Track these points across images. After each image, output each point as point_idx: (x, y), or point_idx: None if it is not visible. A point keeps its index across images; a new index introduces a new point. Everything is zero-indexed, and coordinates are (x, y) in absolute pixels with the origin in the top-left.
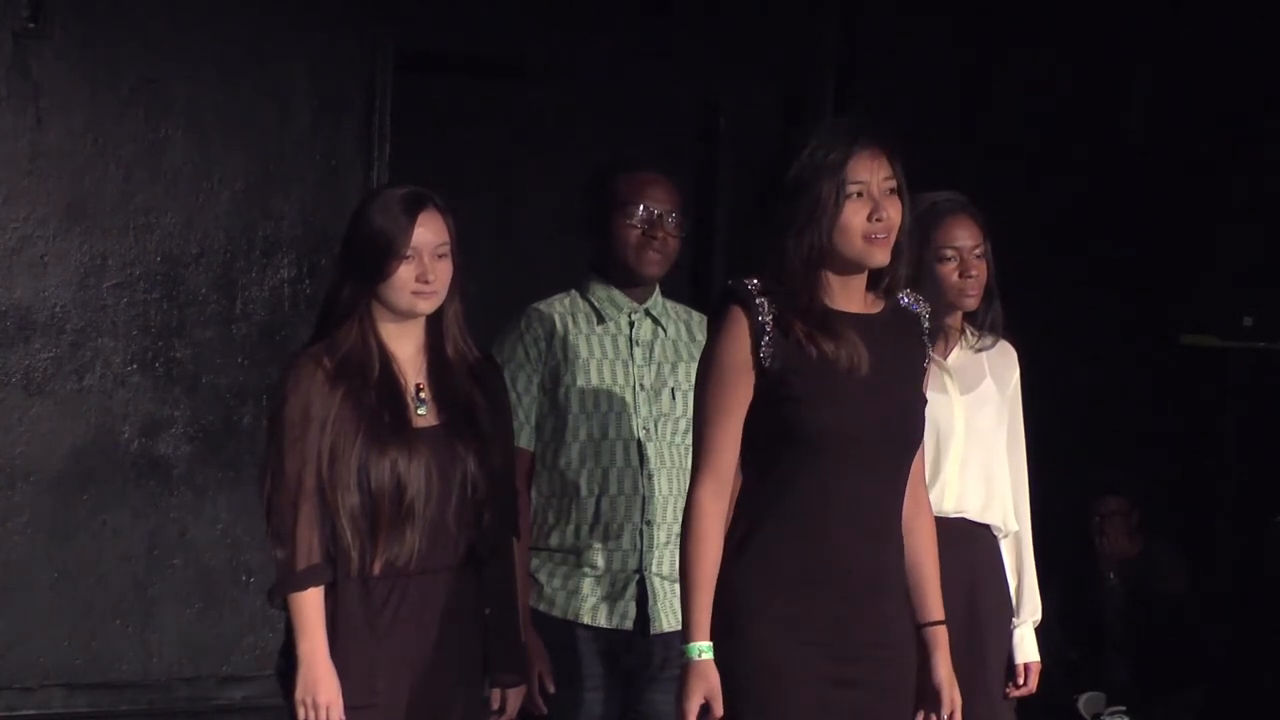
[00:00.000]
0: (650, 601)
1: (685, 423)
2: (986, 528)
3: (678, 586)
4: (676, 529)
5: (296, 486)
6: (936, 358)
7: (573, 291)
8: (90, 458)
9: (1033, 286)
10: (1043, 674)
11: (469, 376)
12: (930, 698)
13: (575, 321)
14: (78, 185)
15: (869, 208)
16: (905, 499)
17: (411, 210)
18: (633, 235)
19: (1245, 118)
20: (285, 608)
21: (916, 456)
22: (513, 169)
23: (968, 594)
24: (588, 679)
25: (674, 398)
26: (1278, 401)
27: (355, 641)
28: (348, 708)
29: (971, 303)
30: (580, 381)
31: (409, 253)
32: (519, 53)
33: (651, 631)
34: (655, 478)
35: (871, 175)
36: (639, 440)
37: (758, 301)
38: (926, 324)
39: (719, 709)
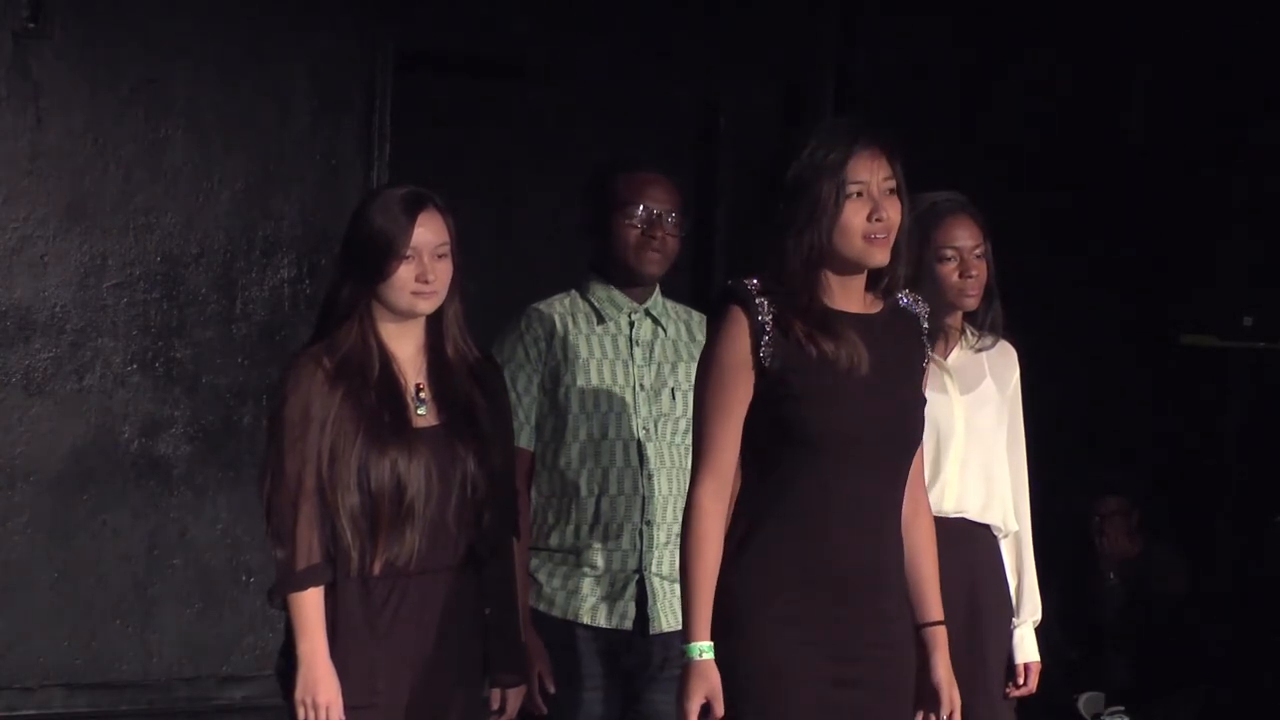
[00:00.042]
0: (650, 601)
1: (685, 423)
2: (986, 528)
3: (677, 587)
4: (676, 529)
5: (296, 486)
6: (936, 358)
7: (573, 291)
8: (90, 458)
9: (1033, 286)
10: (1043, 674)
11: (469, 376)
12: (929, 698)
13: (575, 321)
14: (78, 185)
15: (869, 208)
16: (904, 499)
17: (411, 210)
18: (632, 235)
19: (1245, 118)
20: (285, 608)
21: (916, 457)
22: (513, 169)
23: (968, 594)
24: (587, 679)
25: (674, 398)
26: (1278, 401)
27: (355, 641)
28: (348, 708)
29: (971, 303)
30: (580, 381)
31: (409, 253)
32: (519, 53)
33: (651, 631)
34: (655, 478)
35: (871, 175)
36: (639, 440)
37: (757, 301)
38: (925, 324)
39: (720, 709)
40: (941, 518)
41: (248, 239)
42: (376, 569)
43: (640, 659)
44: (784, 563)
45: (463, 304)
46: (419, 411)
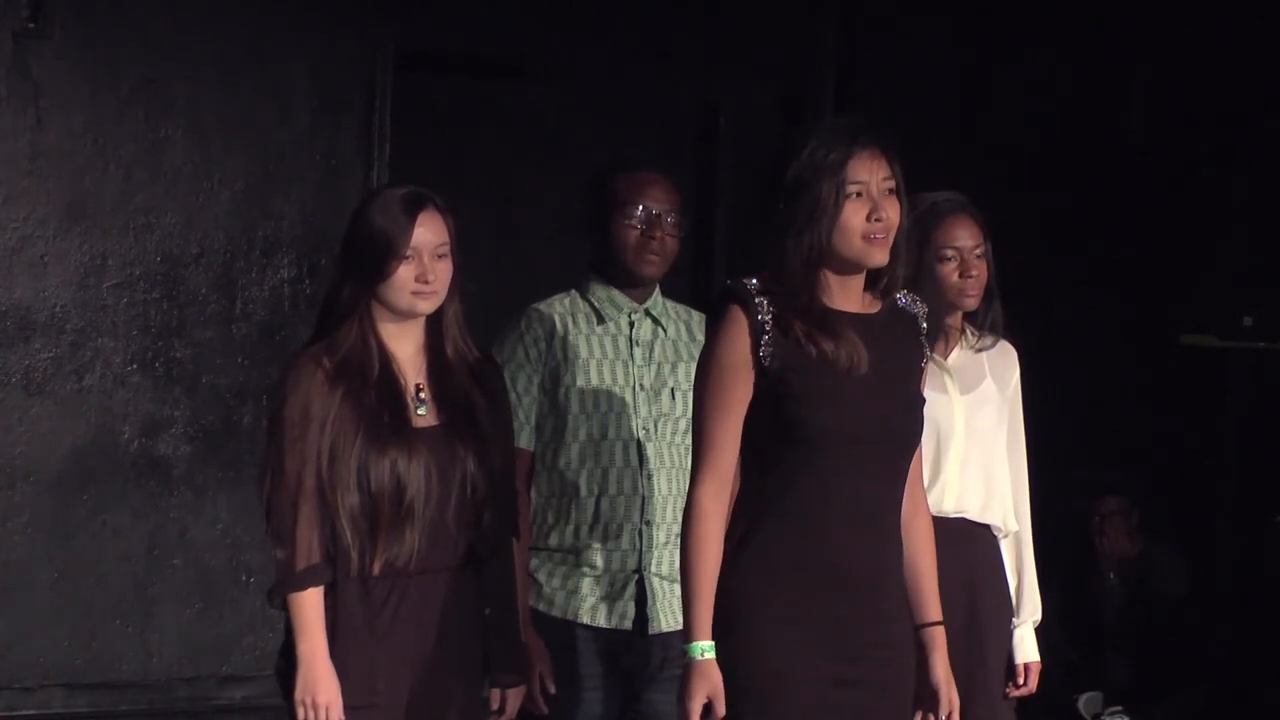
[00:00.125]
0: (649, 601)
1: (685, 423)
2: (986, 528)
3: (677, 587)
4: (676, 529)
5: (296, 486)
6: (937, 358)
7: (572, 292)
8: (90, 458)
9: (1033, 286)
10: (1043, 674)
11: (469, 376)
12: (928, 698)
13: (575, 322)
14: (78, 185)
15: (868, 208)
16: (903, 500)
17: (411, 210)
18: (632, 235)
19: (1245, 118)
20: (285, 608)
21: (915, 457)
22: (513, 169)
23: (968, 594)
24: (586, 679)
25: (674, 398)
26: (1278, 401)
27: (355, 641)
28: (347, 708)
29: (972, 303)
30: (580, 382)
31: (409, 253)
32: (519, 53)
33: (650, 631)
34: (655, 478)
35: (871, 175)
36: (639, 440)
37: (757, 301)
38: (924, 324)
39: (722, 709)
40: (941, 518)
41: (248, 239)
42: (376, 569)
43: (640, 659)
44: (784, 562)
45: (463, 304)
46: (419, 411)
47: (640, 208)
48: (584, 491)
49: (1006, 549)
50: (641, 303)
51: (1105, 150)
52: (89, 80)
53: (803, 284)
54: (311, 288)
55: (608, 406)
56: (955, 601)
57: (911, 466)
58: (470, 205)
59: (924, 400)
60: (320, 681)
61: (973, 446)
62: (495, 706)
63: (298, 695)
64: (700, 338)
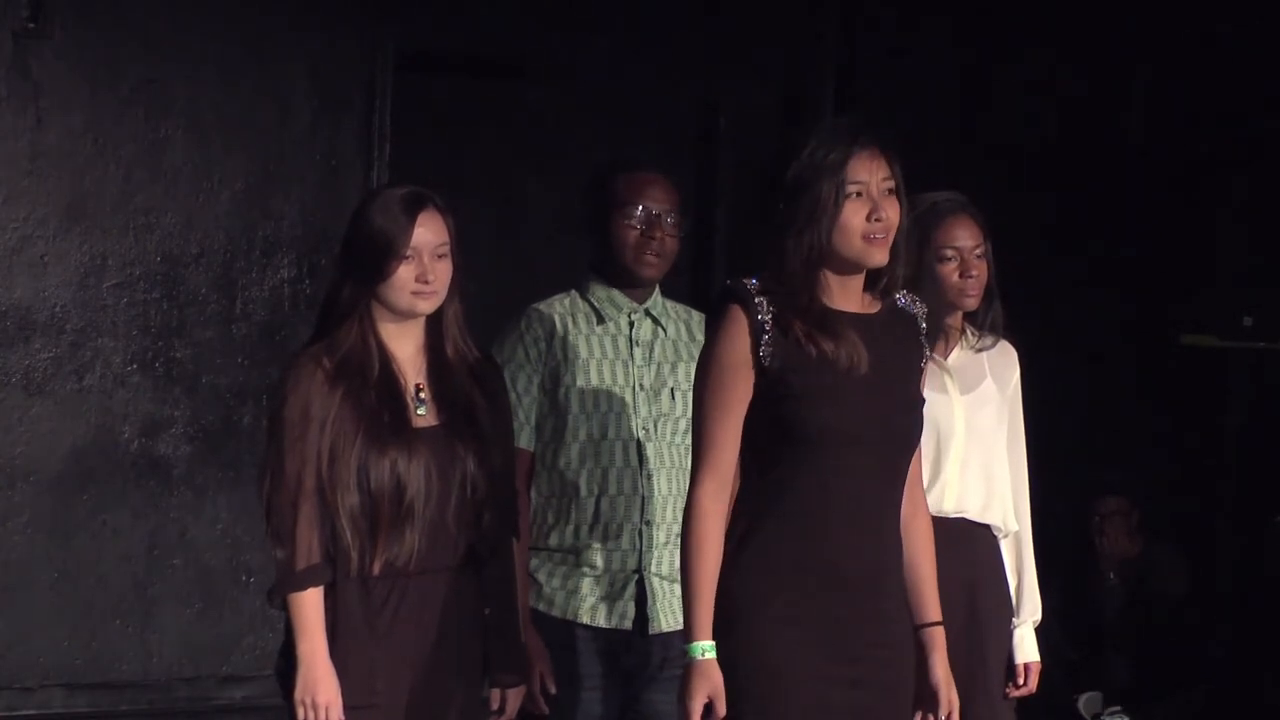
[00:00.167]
0: (649, 601)
1: (685, 423)
2: (986, 528)
3: (677, 587)
4: (676, 529)
5: (296, 486)
6: (937, 358)
7: (572, 292)
8: (90, 458)
9: (1033, 286)
10: (1043, 674)
11: (469, 376)
12: (928, 699)
13: (575, 322)
14: (78, 185)
15: (868, 208)
16: (903, 500)
17: (411, 210)
18: (631, 235)
19: (1245, 118)
20: (285, 608)
21: (914, 458)
22: (513, 169)
23: (968, 594)
24: (586, 679)
25: (674, 398)
26: (1278, 401)
27: (355, 641)
28: (347, 708)
29: (972, 303)
30: (580, 382)
31: (409, 253)
32: (519, 53)
33: (650, 631)
34: (655, 478)
35: (870, 175)
36: (638, 440)
37: (757, 300)
38: (923, 325)
39: (723, 708)
40: (941, 518)
41: (248, 239)
42: (376, 569)
43: (640, 659)
44: (784, 562)
45: (463, 304)
46: (419, 411)
47: (640, 208)
48: (584, 491)
49: (1006, 549)
50: (641, 303)
51: (1105, 150)
52: (89, 80)
53: (803, 284)
54: (311, 288)
55: (608, 406)
56: (955, 601)
57: (911, 467)
58: (470, 205)
59: (924, 400)
60: (320, 681)
61: (973, 446)
62: (495, 706)
63: (298, 695)
64: (700, 338)
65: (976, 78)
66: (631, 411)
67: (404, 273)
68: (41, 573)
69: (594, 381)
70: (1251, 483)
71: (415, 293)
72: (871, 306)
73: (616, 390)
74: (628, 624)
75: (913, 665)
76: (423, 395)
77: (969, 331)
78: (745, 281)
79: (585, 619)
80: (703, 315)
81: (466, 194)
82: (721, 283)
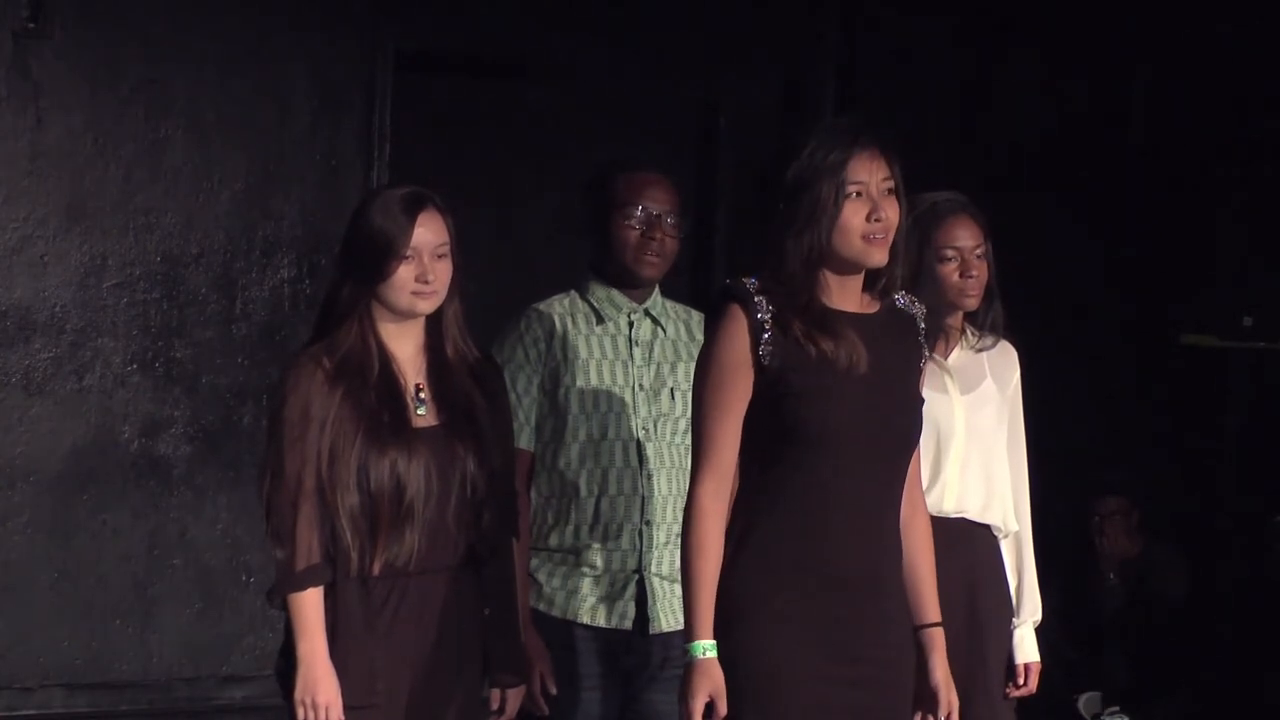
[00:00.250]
0: (649, 601)
1: (685, 423)
2: (986, 528)
3: (677, 587)
4: (676, 529)
5: (296, 486)
6: (937, 358)
7: (572, 292)
8: (90, 458)
9: (1033, 286)
10: (1043, 674)
11: (469, 377)
12: (927, 700)
13: (575, 322)
14: (78, 185)
15: (868, 208)
16: (902, 501)
17: (411, 210)
18: (631, 236)
19: (1245, 118)
20: (285, 608)
21: (913, 459)
22: (513, 169)
23: (968, 594)
24: (586, 679)
25: (673, 398)
26: (1278, 401)
27: (355, 641)
28: (347, 708)
29: (972, 303)
30: (580, 382)
31: (409, 253)
32: (519, 53)
33: (650, 631)
34: (655, 478)
35: (870, 176)
36: (638, 440)
37: (756, 300)
38: (922, 325)
39: (724, 707)
40: (942, 518)
41: (248, 239)
42: (376, 569)
43: (640, 659)
44: (783, 562)
45: (463, 304)
46: (419, 411)
47: (640, 208)
48: (584, 492)
49: (1006, 549)
50: (641, 303)
51: (1105, 150)
52: (89, 80)
53: (802, 284)
54: (311, 288)
55: (607, 407)
56: (955, 602)
57: (910, 467)
58: (470, 205)
59: (923, 400)
60: (320, 681)
61: (973, 446)
62: (495, 706)
63: (298, 695)
64: (700, 337)
65: (976, 78)
66: (631, 411)
67: (404, 273)
68: (41, 573)
69: (594, 382)
70: (1251, 483)
71: (415, 293)
72: (870, 306)
73: (616, 390)
74: (628, 624)
75: (913, 665)
76: (423, 395)
77: (969, 331)
78: (745, 281)
79: (585, 619)
80: (702, 315)
81: (466, 194)
82: (721, 283)
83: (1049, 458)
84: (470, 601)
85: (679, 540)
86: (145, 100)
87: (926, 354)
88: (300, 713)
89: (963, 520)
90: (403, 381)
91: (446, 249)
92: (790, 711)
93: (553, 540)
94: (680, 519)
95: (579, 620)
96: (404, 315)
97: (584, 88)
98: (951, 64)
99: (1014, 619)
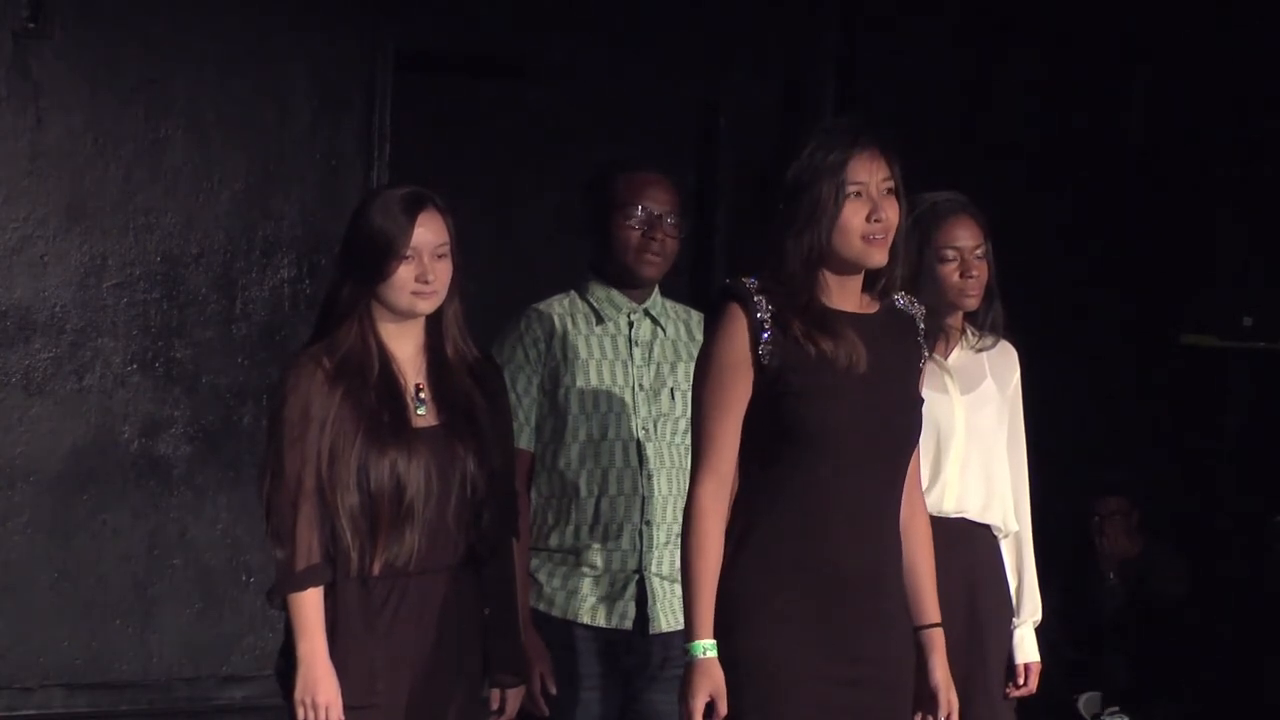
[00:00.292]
0: (650, 602)
1: (685, 423)
2: (987, 528)
3: (677, 587)
4: (676, 529)
5: (296, 486)
6: (937, 358)
7: (571, 292)
8: (90, 458)
9: (1033, 286)
10: (1043, 674)
11: (469, 377)
12: (927, 700)
13: (574, 322)
14: (78, 185)
15: (868, 208)
16: (902, 501)
17: (411, 210)
18: (632, 236)
19: (1245, 118)
20: (285, 608)
21: (913, 459)
22: (513, 169)
23: (968, 594)
24: (586, 679)
25: (673, 398)
26: (1278, 401)
27: (355, 641)
28: (347, 708)
29: (972, 303)
30: (580, 382)
31: (409, 253)
32: (519, 53)
33: (651, 631)
34: (655, 478)
35: (870, 176)
36: (638, 441)
37: (756, 299)
38: (921, 326)
39: (724, 707)
40: (942, 518)
41: (248, 239)
42: (376, 569)
43: (640, 659)
44: (783, 561)
45: (463, 304)
46: (419, 411)
47: (640, 208)
48: (584, 492)
49: (1007, 549)
50: (640, 303)
51: (1105, 150)
52: (89, 80)
53: (802, 284)
54: (311, 288)
55: (607, 407)
56: (955, 602)
57: (910, 468)
58: (470, 205)
59: (922, 400)
60: (320, 681)
61: (973, 446)
62: (495, 706)
63: (297, 695)
64: (699, 337)
65: (976, 78)
66: (631, 412)
67: (404, 273)
68: (41, 573)
69: (593, 382)
70: (1251, 483)
71: (415, 293)
72: (870, 307)
73: (616, 390)
74: (628, 624)
75: (913, 666)
76: (423, 395)
77: (969, 331)
78: (744, 280)
79: (585, 619)
80: (702, 315)
81: (466, 194)
82: (721, 282)
83: (1049, 458)
84: (470, 601)
85: (679, 540)
86: (145, 100)
87: (926, 354)
88: (300, 713)
89: (963, 520)
90: (403, 381)
91: (446, 249)
92: (790, 711)
93: (553, 540)
94: (680, 519)
95: (579, 620)
96: (404, 315)
97: (584, 88)
98: (951, 64)
99: (1014, 619)
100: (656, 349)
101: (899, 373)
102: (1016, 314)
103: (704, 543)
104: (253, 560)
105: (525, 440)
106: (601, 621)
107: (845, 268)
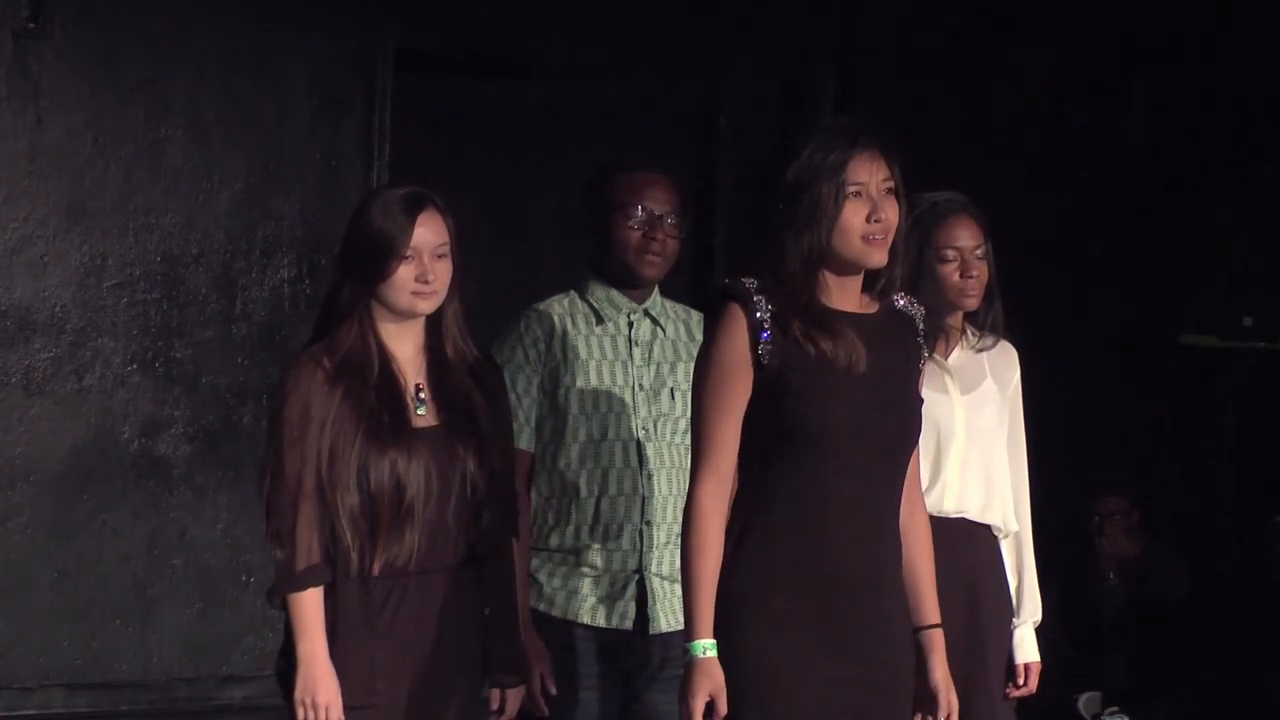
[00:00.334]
0: (650, 602)
1: (685, 423)
2: (987, 528)
3: (677, 587)
4: (676, 529)
5: (296, 486)
6: (937, 358)
7: (571, 292)
8: (90, 458)
9: (1033, 286)
10: (1043, 674)
11: (469, 377)
12: (927, 701)
13: (574, 322)
14: (78, 185)
15: (868, 208)
16: (901, 501)
17: (411, 210)
18: (633, 237)
19: (1245, 118)
20: (285, 608)
21: (913, 460)
22: (513, 169)
23: (968, 594)
24: (586, 679)
25: (673, 398)
26: (1278, 401)
27: (355, 641)
28: (347, 708)
29: (972, 303)
30: (580, 382)
31: (409, 253)
32: (519, 53)
33: (651, 631)
34: (655, 478)
35: (870, 176)
36: (638, 441)
37: (755, 299)
38: (921, 326)
39: (724, 707)
40: (942, 518)
41: (248, 239)
42: (376, 569)
43: (640, 659)
44: (783, 562)
45: (463, 304)
46: (418, 412)
47: (640, 209)
48: (584, 492)
49: (1007, 549)
50: (640, 303)
51: (1105, 150)
52: (89, 80)
53: (802, 284)
54: (311, 288)
55: (607, 407)
56: (955, 602)
57: (910, 468)
58: (470, 205)
59: (921, 401)
60: (320, 681)
61: (973, 447)
62: (495, 706)
63: (297, 695)
64: (699, 337)
65: (976, 78)
66: (631, 412)
67: (404, 273)
68: (41, 573)
69: (593, 382)
70: (1251, 483)
71: (415, 293)
72: (869, 307)
73: (616, 391)
74: (628, 624)
75: (912, 666)
76: (422, 395)
77: (969, 331)
78: (744, 280)
79: (585, 619)
80: (702, 315)
81: (466, 194)
82: (721, 282)
83: (1049, 458)
84: (470, 601)
85: (679, 540)
86: (145, 100)
87: (925, 355)
88: (300, 713)
89: (963, 520)
90: (403, 381)
91: (446, 249)
92: (790, 711)
93: (553, 540)
94: (680, 519)
95: (579, 620)
96: (404, 315)
97: (584, 88)
98: (951, 64)
99: (1014, 619)
100: (656, 349)
101: (899, 373)
102: (1016, 314)
103: (704, 542)
104: (253, 560)
105: (525, 440)
106: (601, 621)
107: (845, 268)
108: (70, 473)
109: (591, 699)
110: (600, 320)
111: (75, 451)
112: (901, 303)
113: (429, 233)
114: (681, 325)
